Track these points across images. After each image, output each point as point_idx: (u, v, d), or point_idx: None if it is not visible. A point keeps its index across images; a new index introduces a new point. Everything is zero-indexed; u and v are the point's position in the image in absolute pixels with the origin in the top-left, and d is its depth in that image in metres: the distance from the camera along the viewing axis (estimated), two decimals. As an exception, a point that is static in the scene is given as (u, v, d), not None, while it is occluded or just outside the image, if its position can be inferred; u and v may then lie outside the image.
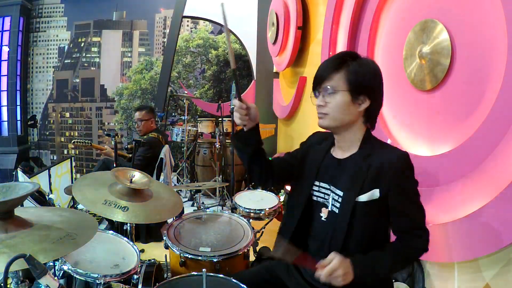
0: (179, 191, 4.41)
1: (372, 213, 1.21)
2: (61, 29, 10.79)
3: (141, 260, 1.63)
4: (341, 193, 1.25)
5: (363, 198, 1.20)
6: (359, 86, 1.18)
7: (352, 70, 1.19)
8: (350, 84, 1.18)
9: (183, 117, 4.70)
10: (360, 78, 1.18)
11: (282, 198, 3.54)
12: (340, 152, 1.31)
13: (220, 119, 4.37)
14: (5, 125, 9.18)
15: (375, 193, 1.19)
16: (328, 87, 1.21)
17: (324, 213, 1.31)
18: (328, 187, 1.31)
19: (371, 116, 1.25)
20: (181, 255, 1.70)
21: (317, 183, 1.34)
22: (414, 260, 1.29)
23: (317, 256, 1.22)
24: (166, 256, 1.89)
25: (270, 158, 1.50)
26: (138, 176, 1.76)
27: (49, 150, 10.94)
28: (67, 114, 11.18)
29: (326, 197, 1.31)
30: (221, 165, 4.24)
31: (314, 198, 1.35)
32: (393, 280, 1.96)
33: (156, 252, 2.80)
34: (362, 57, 1.24)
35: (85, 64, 11.04)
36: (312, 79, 1.27)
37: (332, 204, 1.28)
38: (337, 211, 1.26)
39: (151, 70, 10.86)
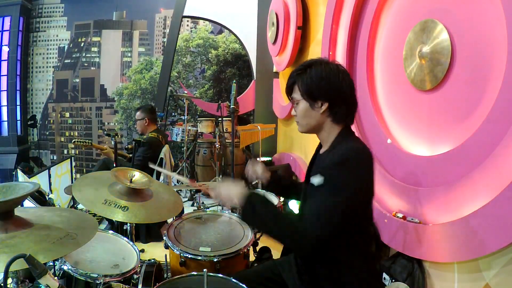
0: (179, 191, 4.41)
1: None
2: (61, 29, 10.79)
3: (141, 260, 1.63)
4: None
5: (314, 180, 1.25)
6: (311, 93, 1.30)
7: (303, 81, 1.31)
8: (304, 93, 1.31)
9: (183, 117, 4.70)
10: (310, 86, 1.30)
11: (282, 198, 3.54)
12: (323, 149, 1.41)
13: (220, 119, 4.37)
14: (5, 125, 9.18)
15: (320, 179, 1.22)
16: (293, 98, 1.37)
17: None
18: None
19: (336, 113, 1.31)
20: (181, 255, 1.70)
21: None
22: (285, 241, 1.29)
23: None
24: (166, 256, 1.89)
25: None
26: (138, 176, 1.76)
27: (49, 150, 10.94)
28: (67, 114, 11.17)
29: None
30: (221, 165, 4.24)
31: None
32: (393, 280, 1.96)
33: (156, 252, 2.80)
34: (317, 64, 1.30)
35: (85, 64, 11.04)
36: None
37: None
38: None
39: (151, 70, 10.86)
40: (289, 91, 1.39)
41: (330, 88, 1.28)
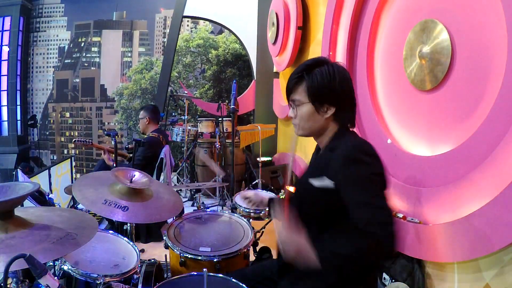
0: (179, 191, 4.41)
1: (325, 201, 1.19)
2: (61, 29, 10.79)
3: (141, 260, 1.63)
4: None
5: (314, 181, 1.21)
6: (318, 97, 1.22)
7: (310, 83, 1.22)
8: (311, 97, 1.22)
9: (183, 117, 4.70)
10: (318, 90, 1.21)
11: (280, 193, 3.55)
12: (322, 150, 1.36)
13: (220, 119, 4.38)
14: (5, 125, 9.17)
15: (327, 181, 1.17)
16: (295, 99, 1.27)
17: None
18: None
19: (342, 118, 1.25)
20: (181, 255, 1.70)
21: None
22: (363, 262, 1.06)
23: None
24: (166, 256, 1.89)
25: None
26: (138, 176, 1.76)
27: (49, 150, 10.94)
28: (67, 114, 11.18)
29: None
30: (221, 165, 4.24)
31: None
32: (393, 280, 1.96)
33: (156, 252, 2.80)
34: (323, 65, 1.22)
35: (85, 64, 11.05)
36: None
37: None
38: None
39: (151, 70, 10.86)
40: (290, 91, 1.29)
41: (339, 93, 1.22)
